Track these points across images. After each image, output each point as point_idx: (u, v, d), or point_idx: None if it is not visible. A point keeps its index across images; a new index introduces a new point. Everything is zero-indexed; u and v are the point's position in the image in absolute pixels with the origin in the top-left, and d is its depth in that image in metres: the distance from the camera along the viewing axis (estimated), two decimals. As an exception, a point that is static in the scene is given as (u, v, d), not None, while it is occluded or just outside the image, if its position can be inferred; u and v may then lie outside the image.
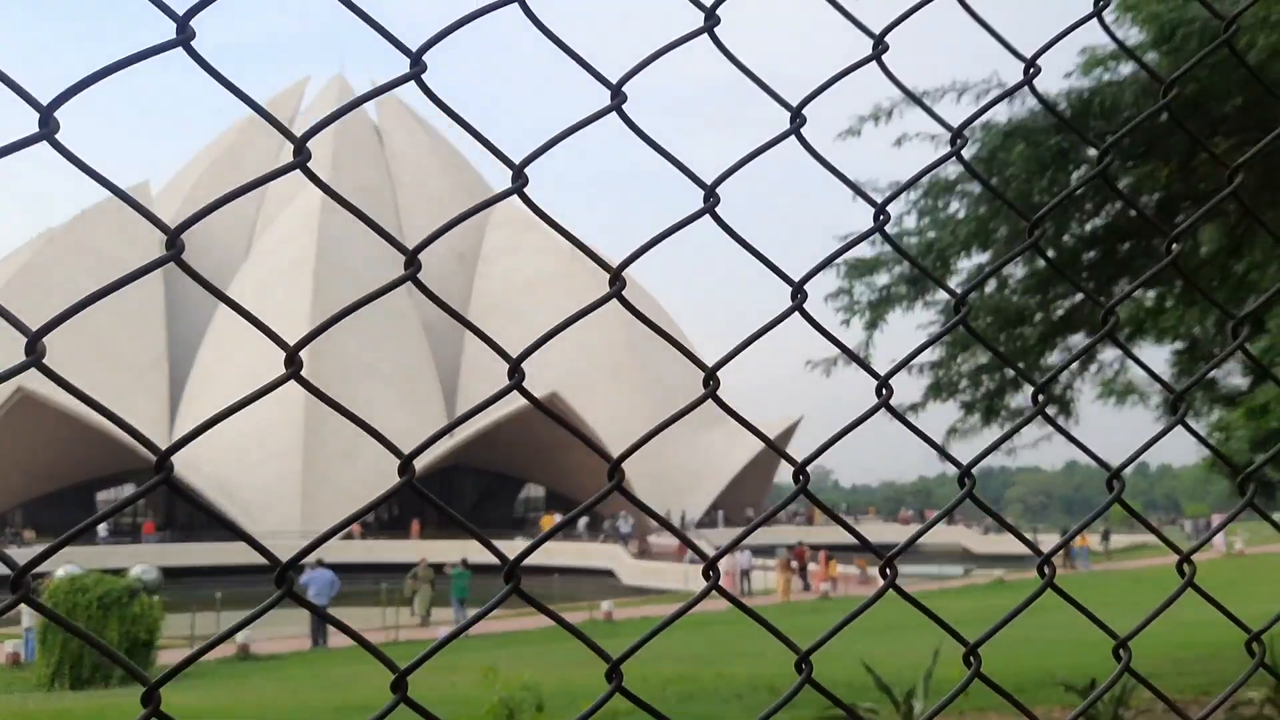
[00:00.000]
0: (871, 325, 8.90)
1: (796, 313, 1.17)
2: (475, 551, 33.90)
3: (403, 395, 53.01)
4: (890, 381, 1.24)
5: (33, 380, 44.99)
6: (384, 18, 1.01)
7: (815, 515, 64.31)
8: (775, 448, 1.36)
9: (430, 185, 67.57)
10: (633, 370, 55.92)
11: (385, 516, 59.57)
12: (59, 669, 16.25)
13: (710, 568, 1.11)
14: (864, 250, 8.95)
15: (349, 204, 1.00)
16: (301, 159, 0.94)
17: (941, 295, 8.70)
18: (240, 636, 19.77)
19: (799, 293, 1.17)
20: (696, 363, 1.18)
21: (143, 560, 27.96)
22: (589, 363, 52.87)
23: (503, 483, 62.67)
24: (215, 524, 46.41)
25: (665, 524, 1.23)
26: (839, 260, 8.95)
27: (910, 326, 9.72)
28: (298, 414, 49.29)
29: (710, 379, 1.14)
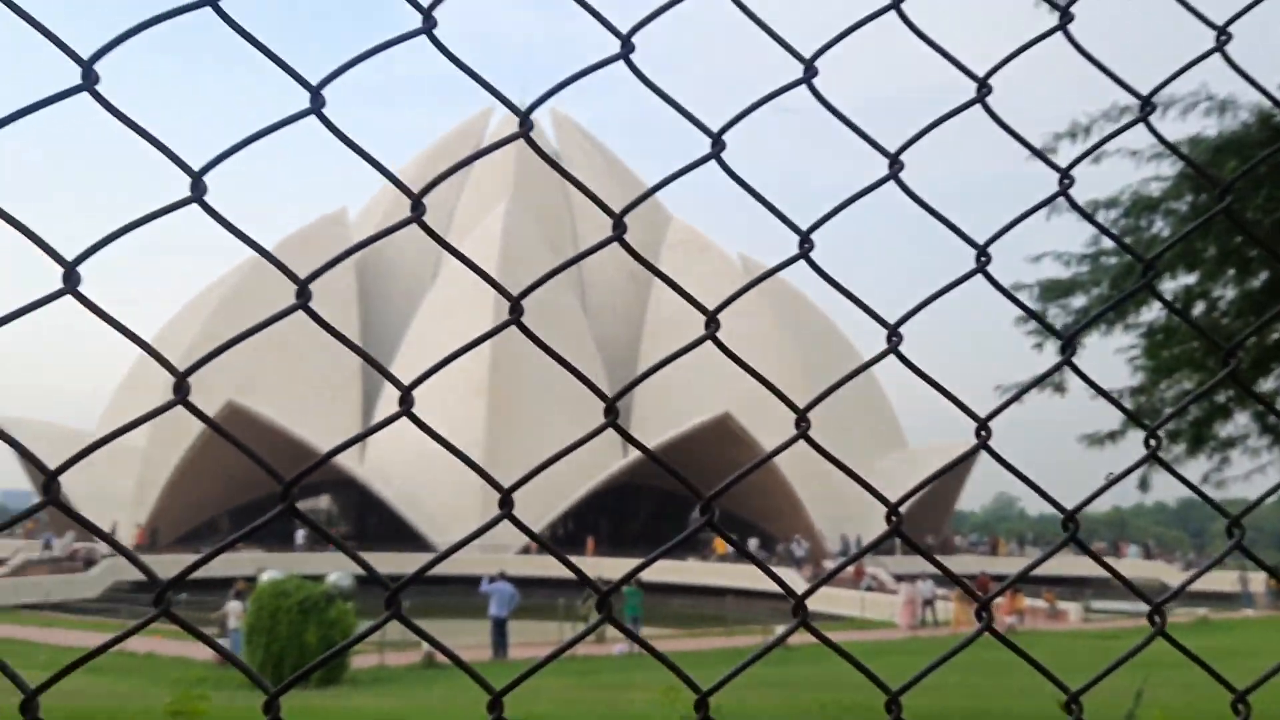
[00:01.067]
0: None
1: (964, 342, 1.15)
2: (646, 570, 34.28)
3: (575, 416, 53.90)
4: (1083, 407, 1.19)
5: (241, 395, 48.24)
6: (575, 44, 1.05)
7: (1000, 544, 61.95)
8: (867, 486, 1.34)
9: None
10: (805, 395, 55.28)
11: (561, 532, 60.71)
12: (262, 669, 17.31)
13: (798, 606, 1.12)
14: (1058, 271, 8.59)
15: (458, 253, 1.04)
16: (418, 214, 0.99)
17: (1144, 318, 8.23)
18: (424, 645, 20.58)
19: (894, 335, 1.17)
20: (789, 404, 1.17)
21: (338, 568, 29.48)
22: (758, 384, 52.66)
23: (675, 502, 63.00)
24: (401, 535, 48.44)
25: (747, 553, 1.22)
26: (1034, 284, 8.62)
27: (1108, 350, 9.23)
28: (478, 434, 51.06)
29: (801, 420, 1.14)
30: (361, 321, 60.38)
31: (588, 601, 25.76)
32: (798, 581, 41.12)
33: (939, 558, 1.49)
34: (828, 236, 1.20)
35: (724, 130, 1.11)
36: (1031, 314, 1.35)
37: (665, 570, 43.30)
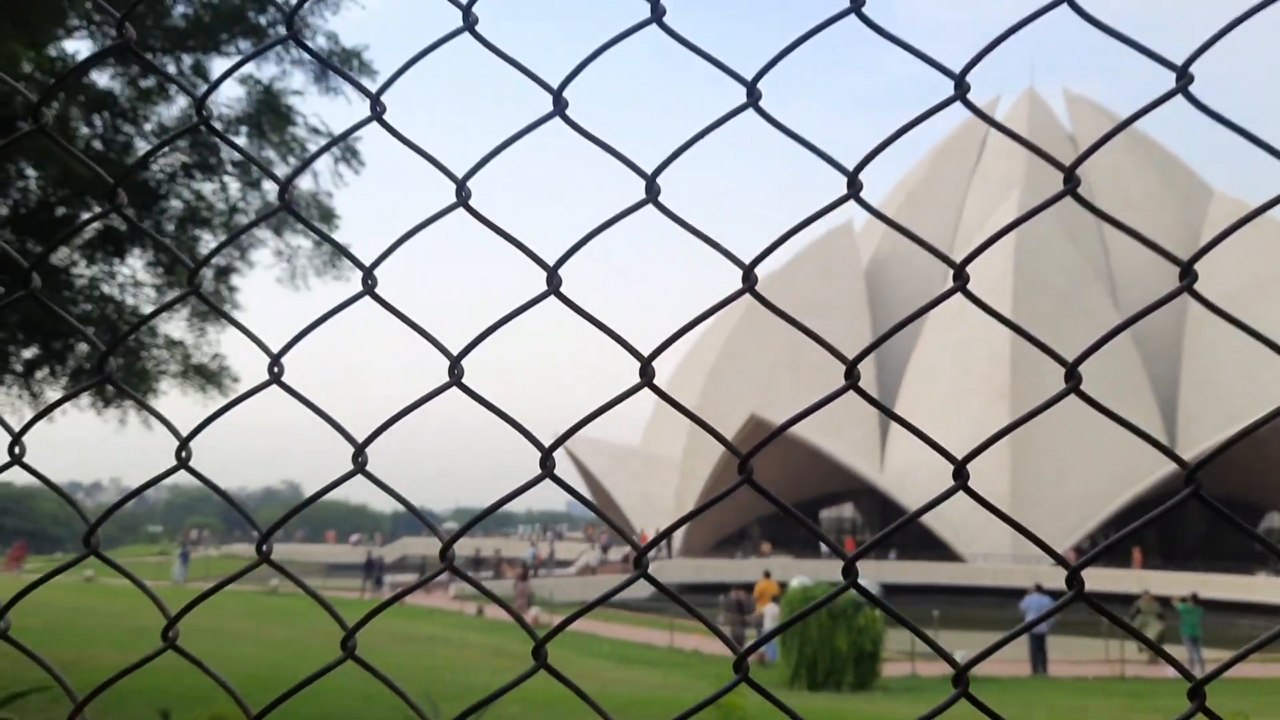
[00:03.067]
0: None
1: None
2: (1206, 586, 30.75)
3: (1100, 416, 50.15)
4: None
5: (765, 409, 50.94)
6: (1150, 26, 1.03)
7: None
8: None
9: (1131, 189, 63.22)
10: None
11: (1099, 542, 56.39)
12: (797, 670, 18.05)
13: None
14: None
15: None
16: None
17: None
18: (959, 654, 20.26)
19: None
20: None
21: (863, 576, 30.03)
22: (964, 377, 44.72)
23: (1238, 509, 55.86)
24: (926, 544, 48.00)
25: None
26: None
27: None
28: (1004, 439, 49.26)
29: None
30: (873, 330, 60.94)
31: (1138, 616, 23.71)
32: None
33: None
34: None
35: None
36: None
37: (1232, 587, 38.60)
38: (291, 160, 11.47)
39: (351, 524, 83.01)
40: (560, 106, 1.08)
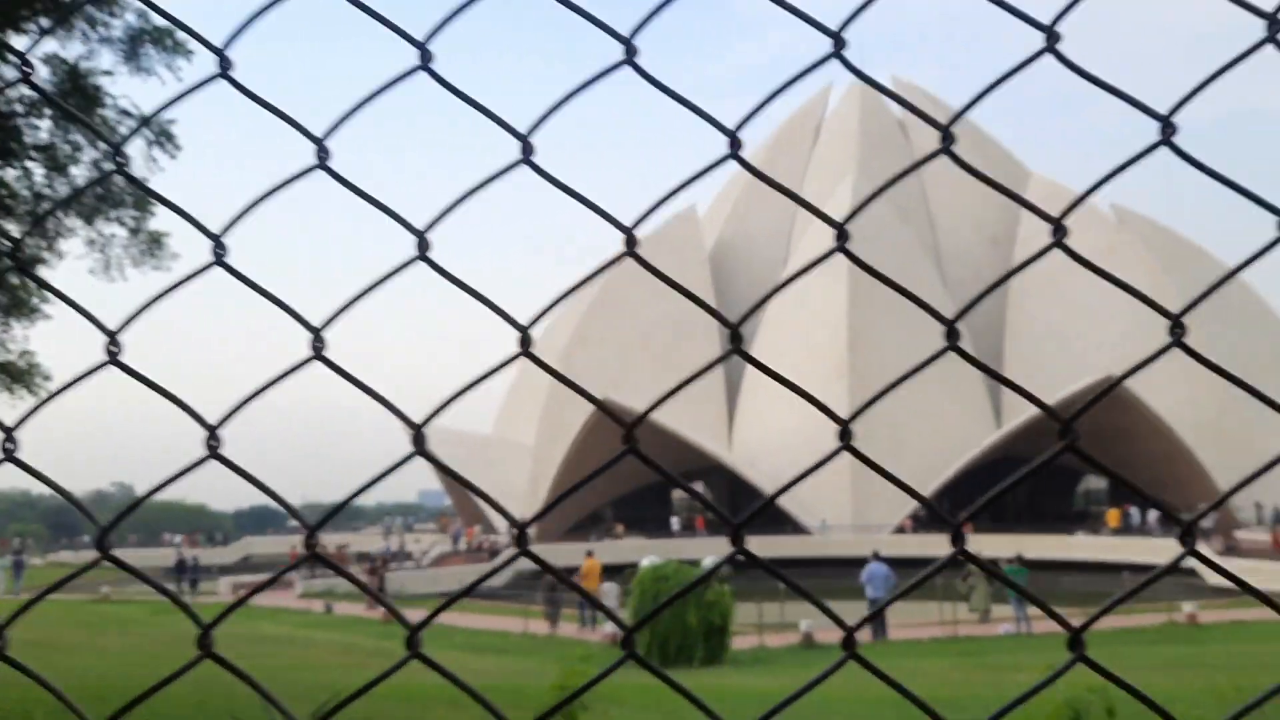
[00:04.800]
0: None
1: None
2: (1030, 547, 32.49)
3: (948, 390, 52.36)
4: None
5: (613, 391, 51.19)
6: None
7: None
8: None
9: (955, 170, 66.06)
10: (1200, 347, 49.77)
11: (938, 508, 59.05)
12: (649, 648, 18.25)
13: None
14: None
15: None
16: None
17: None
18: (803, 625, 20.86)
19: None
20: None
21: (711, 552, 30.54)
22: (1145, 342, 48.05)
23: (1058, 476, 59.38)
24: (777, 520, 49.12)
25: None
26: None
27: None
28: (842, 412, 50.80)
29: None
30: (718, 308, 61.98)
31: (968, 579, 24.89)
32: (1205, 554, 37.22)
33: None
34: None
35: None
36: None
37: (1053, 546, 40.93)
38: (102, 146, 10.87)
39: (190, 525, 79.33)
40: (425, 60, 1.02)
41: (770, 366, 1.09)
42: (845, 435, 0.99)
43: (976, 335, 56.91)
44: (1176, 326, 0.99)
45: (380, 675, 1.01)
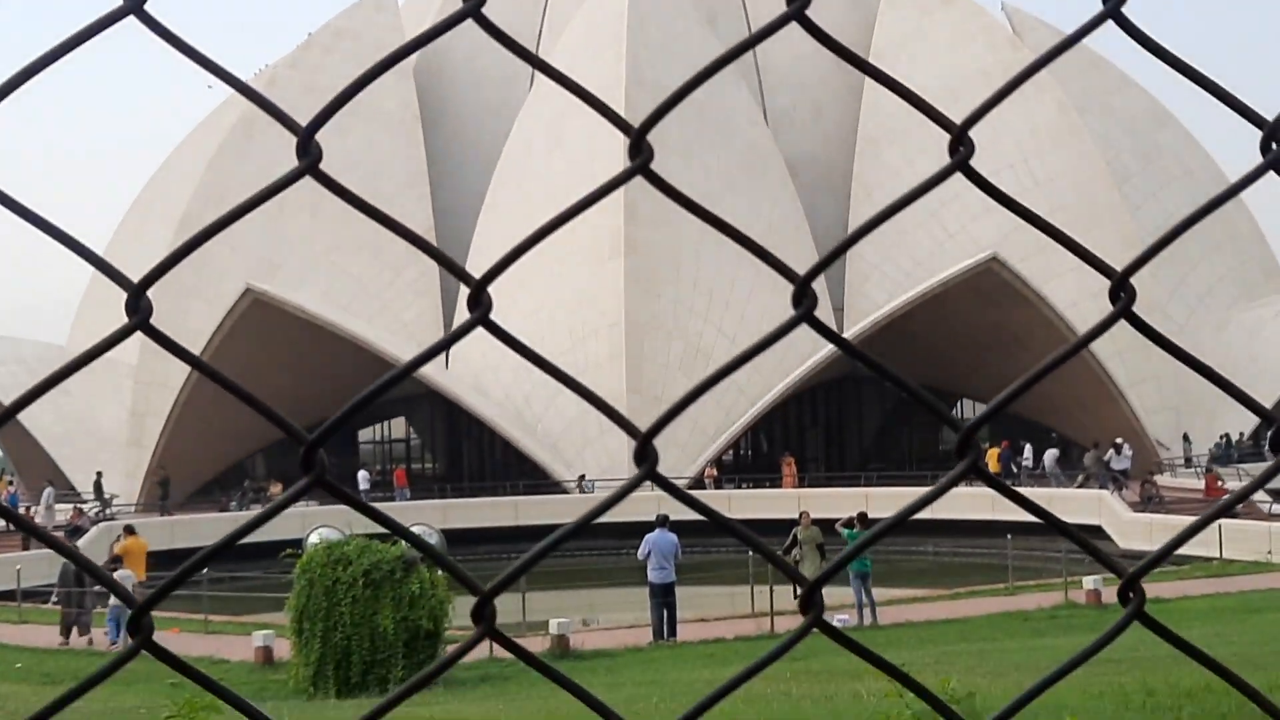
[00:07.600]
0: None
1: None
2: (880, 504, 33.75)
3: (754, 282, 53.48)
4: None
5: (264, 278, 49.57)
6: None
7: None
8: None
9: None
10: (1119, 212, 52.21)
11: (744, 452, 60.24)
12: (320, 669, 17.51)
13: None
14: None
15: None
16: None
17: None
18: (554, 627, 20.64)
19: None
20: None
21: (421, 520, 29.56)
22: (1050, 206, 49.89)
23: (915, 402, 62.13)
24: (517, 472, 49.21)
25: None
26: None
27: None
28: (617, 313, 51.20)
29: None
30: (430, 161, 59.84)
31: (796, 549, 25.86)
32: (1116, 505, 38.84)
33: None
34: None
35: None
36: None
37: (911, 500, 42.33)
38: None
39: None
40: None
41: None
42: (645, 458, 0.99)
43: (815, 191, 57.33)
44: (1121, 291, 1.05)
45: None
